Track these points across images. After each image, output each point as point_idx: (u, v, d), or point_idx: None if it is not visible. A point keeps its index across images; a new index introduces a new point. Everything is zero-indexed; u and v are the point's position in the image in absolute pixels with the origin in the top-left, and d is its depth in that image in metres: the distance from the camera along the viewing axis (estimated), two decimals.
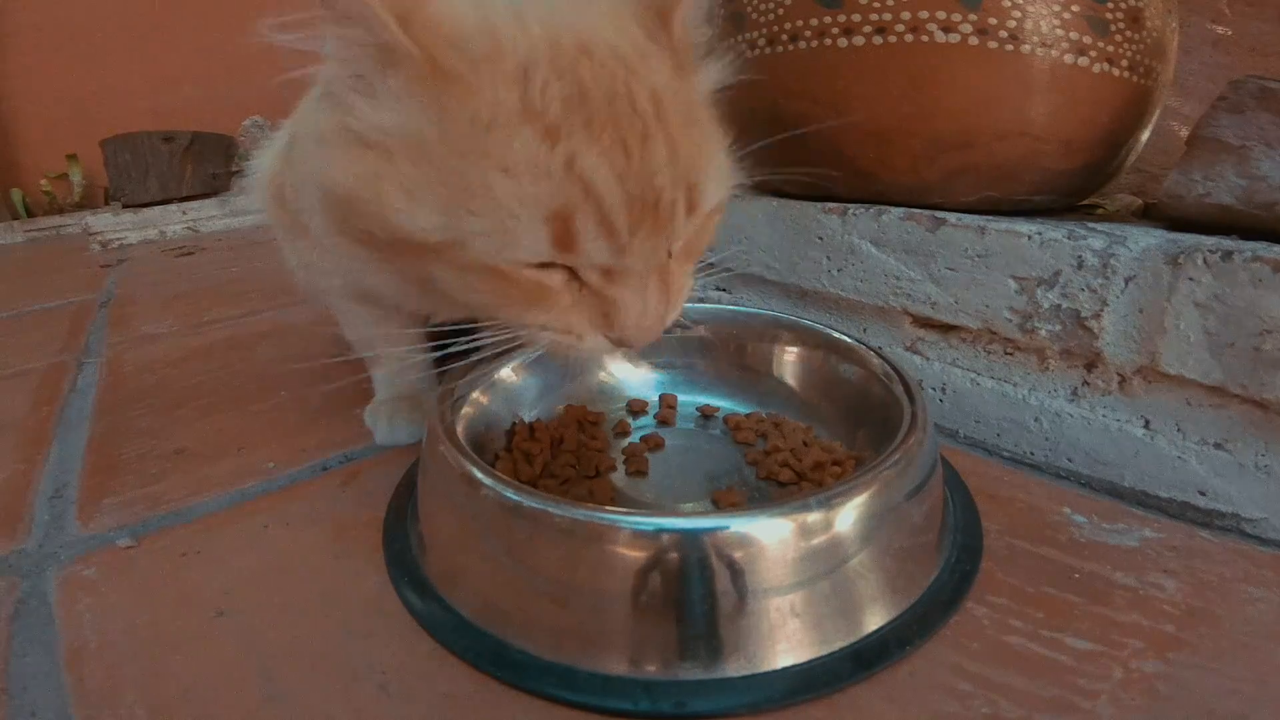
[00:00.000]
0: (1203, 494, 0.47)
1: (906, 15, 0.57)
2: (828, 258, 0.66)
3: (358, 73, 0.34)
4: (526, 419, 0.55)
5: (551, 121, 0.32)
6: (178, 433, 0.67)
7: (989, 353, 0.58)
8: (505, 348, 0.40)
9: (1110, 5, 0.56)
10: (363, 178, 0.34)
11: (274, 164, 0.56)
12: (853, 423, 0.53)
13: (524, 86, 0.32)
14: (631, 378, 0.62)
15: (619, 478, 0.51)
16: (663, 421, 0.58)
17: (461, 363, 0.53)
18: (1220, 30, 0.87)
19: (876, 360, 0.52)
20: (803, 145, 0.66)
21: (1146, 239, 0.48)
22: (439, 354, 0.47)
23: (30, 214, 2.40)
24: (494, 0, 0.35)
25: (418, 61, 0.32)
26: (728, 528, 0.35)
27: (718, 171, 0.38)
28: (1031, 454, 0.55)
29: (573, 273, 0.35)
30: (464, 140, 0.32)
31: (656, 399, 0.60)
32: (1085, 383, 0.52)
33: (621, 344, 0.37)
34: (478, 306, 0.38)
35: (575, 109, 0.32)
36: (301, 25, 0.32)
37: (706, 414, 0.59)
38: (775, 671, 0.35)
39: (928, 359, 0.62)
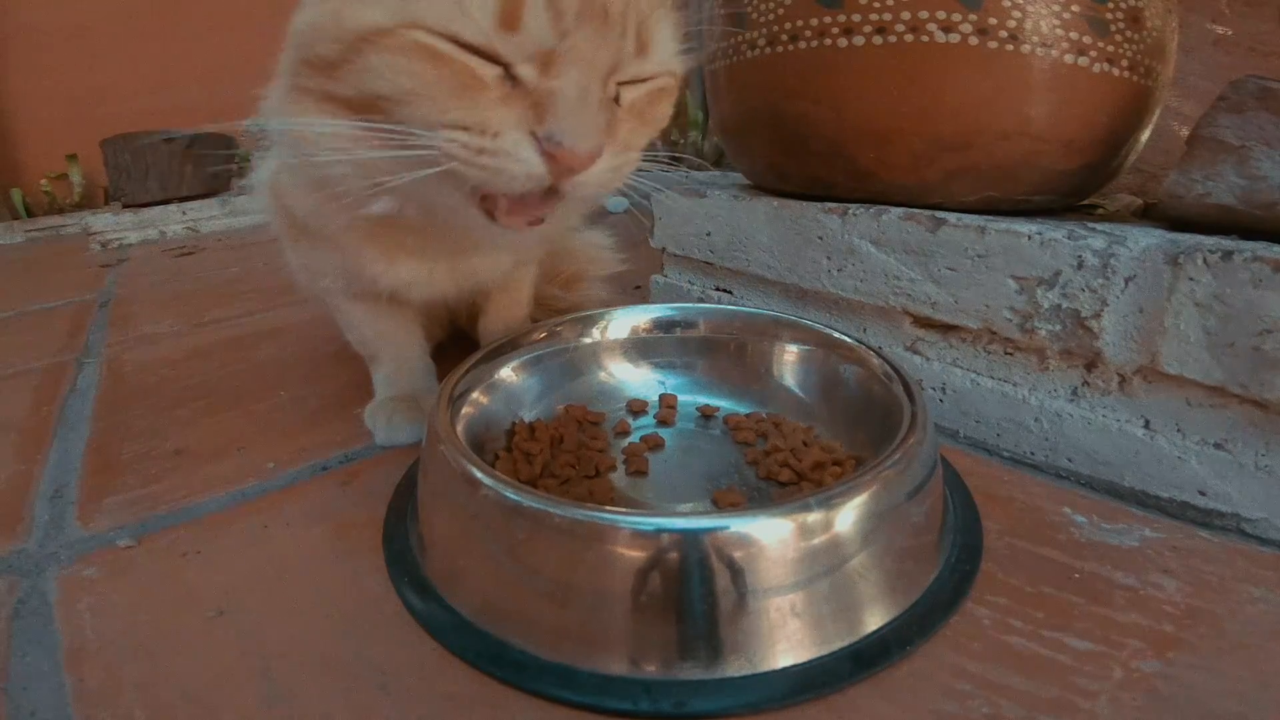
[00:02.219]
0: (1203, 494, 0.47)
1: (906, 15, 0.57)
2: (828, 258, 0.66)
3: None
4: (526, 419, 0.55)
5: None
6: (178, 433, 0.67)
7: (989, 353, 0.58)
8: (412, 165, 0.36)
9: (1110, 5, 0.56)
10: (320, 9, 0.36)
11: (275, 167, 0.56)
12: (853, 423, 0.53)
13: None
14: (631, 378, 0.62)
15: (619, 478, 0.51)
16: (663, 421, 0.58)
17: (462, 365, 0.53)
18: (1220, 30, 0.87)
19: (876, 360, 0.52)
20: (803, 145, 0.66)
21: (1146, 239, 0.48)
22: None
23: (30, 214, 2.40)
24: None
25: None
26: (728, 528, 0.35)
27: (669, 30, 0.38)
28: (1031, 454, 0.55)
29: (508, 72, 0.33)
30: None
31: (656, 399, 0.60)
32: (1085, 383, 0.52)
33: (551, 146, 0.33)
34: (405, 105, 0.35)
35: None
36: None
37: (706, 414, 0.59)
38: (775, 671, 0.35)
39: (928, 359, 0.62)
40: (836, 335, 0.56)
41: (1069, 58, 0.56)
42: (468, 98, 0.33)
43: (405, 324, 0.61)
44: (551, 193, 0.36)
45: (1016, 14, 0.55)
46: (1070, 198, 0.65)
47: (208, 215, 2.07)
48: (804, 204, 0.68)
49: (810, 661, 0.35)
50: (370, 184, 0.39)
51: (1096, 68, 0.57)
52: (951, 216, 0.57)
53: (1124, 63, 0.58)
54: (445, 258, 0.53)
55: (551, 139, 0.33)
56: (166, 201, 2.07)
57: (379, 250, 0.51)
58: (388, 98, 0.34)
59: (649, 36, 0.36)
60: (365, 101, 0.36)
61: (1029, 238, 0.52)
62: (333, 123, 0.38)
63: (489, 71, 0.33)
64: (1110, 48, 0.57)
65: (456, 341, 0.78)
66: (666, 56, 0.38)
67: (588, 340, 0.61)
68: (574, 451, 0.52)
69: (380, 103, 0.35)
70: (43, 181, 2.45)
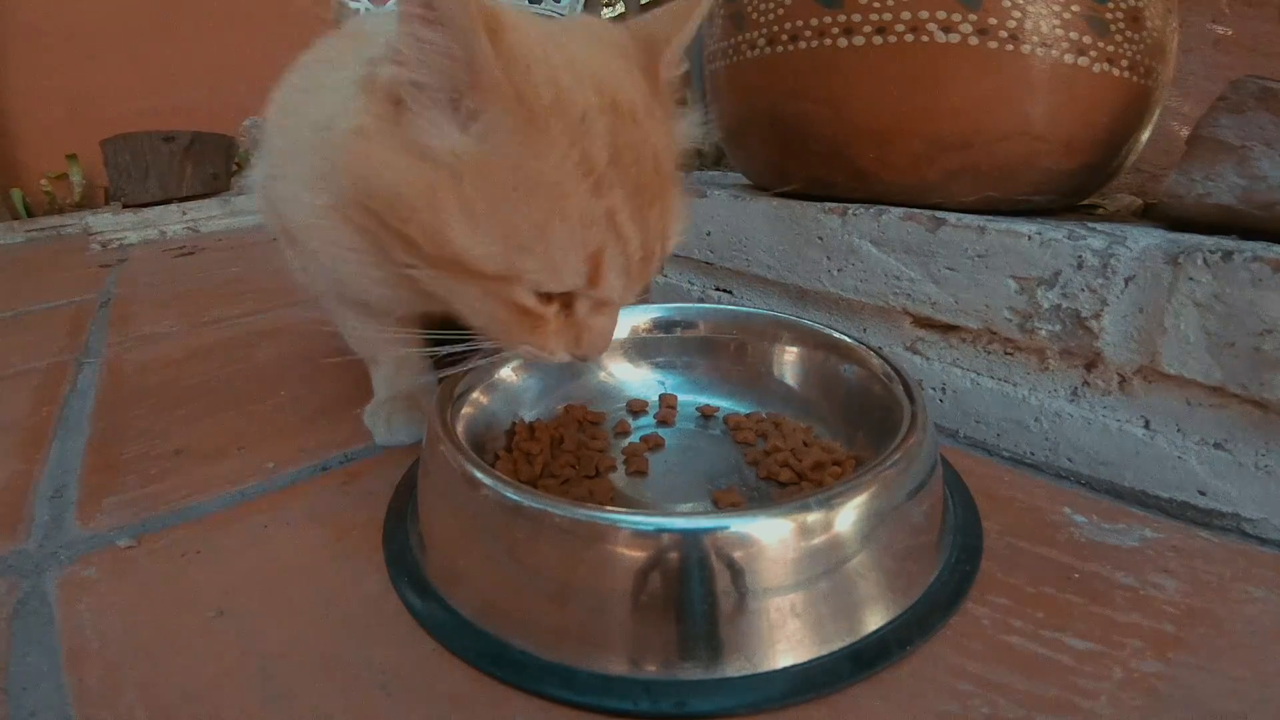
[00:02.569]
0: (1203, 494, 0.47)
1: (907, 15, 0.57)
2: (828, 258, 0.66)
3: (438, 86, 0.34)
4: (526, 419, 0.55)
5: (599, 176, 0.35)
6: (178, 433, 0.67)
7: (989, 353, 0.58)
8: (486, 353, 0.44)
9: (1110, 5, 0.56)
10: (419, 188, 0.35)
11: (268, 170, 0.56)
12: (853, 423, 0.53)
13: (583, 142, 0.35)
14: (631, 378, 0.62)
15: (619, 478, 0.51)
16: (663, 421, 0.58)
17: (461, 366, 0.53)
18: (1220, 30, 0.87)
19: (876, 360, 0.52)
20: (803, 145, 0.66)
21: (1146, 239, 0.48)
22: (440, 354, 0.47)
23: (30, 214, 2.40)
24: (535, 36, 0.36)
25: (506, 97, 0.33)
26: (728, 528, 0.35)
27: (683, 224, 0.42)
28: (1031, 454, 0.55)
29: (564, 304, 0.39)
30: (535, 185, 0.34)
31: (656, 399, 0.60)
32: (1085, 383, 0.52)
33: (582, 360, 0.42)
34: (473, 321, 0.40)
35: (614, 165, 0.36)
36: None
37: (706, 414, 0.59)
38: (775, 671, 0.35)
39: (928, 359, 0.62)
40: (836, 335, 0.56)
41: (1069, 58, 0.56)
42: (534, 331, 0.39)
43: (402, 325, 0.61)
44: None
45: (1016, 14, 0.55)
46: (1070, 198, 0.65)
47: (208, 215, 2.07)
48: (804, 204, 0.68)
49: (810, 661, 0.35)
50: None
51: (1096, 68, 0.57)
52: (951, 216, 0.57)
53: (1124, 63, 0.58)
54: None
55: (585, 358, 0.42)
56: (166, 201, 2.07)
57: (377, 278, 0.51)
58: (459, 310, 0.40)
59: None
60: (427, 292, 0.39)
61: (1029, 238, 0.52)
62: (377, 272, 0.40)
63: (552, 310, 0.39)
64: (1110, 48, 0.57)
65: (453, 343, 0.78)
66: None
67: None
68: (574, 451, 0.52)
69: (448, 305, 0.40)
70: (43, 181, 2.45)
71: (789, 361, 0.59)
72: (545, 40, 0.37)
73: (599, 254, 0.36)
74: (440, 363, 0.48)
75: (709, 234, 0.79)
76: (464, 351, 0.44)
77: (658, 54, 0.41)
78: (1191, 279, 0.44)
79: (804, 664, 0.35)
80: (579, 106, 0.35)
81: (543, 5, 1.31)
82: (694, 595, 0.34)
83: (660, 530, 0.35)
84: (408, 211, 0.36)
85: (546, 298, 0.38)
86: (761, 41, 0.66)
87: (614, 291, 0.38)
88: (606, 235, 0.36)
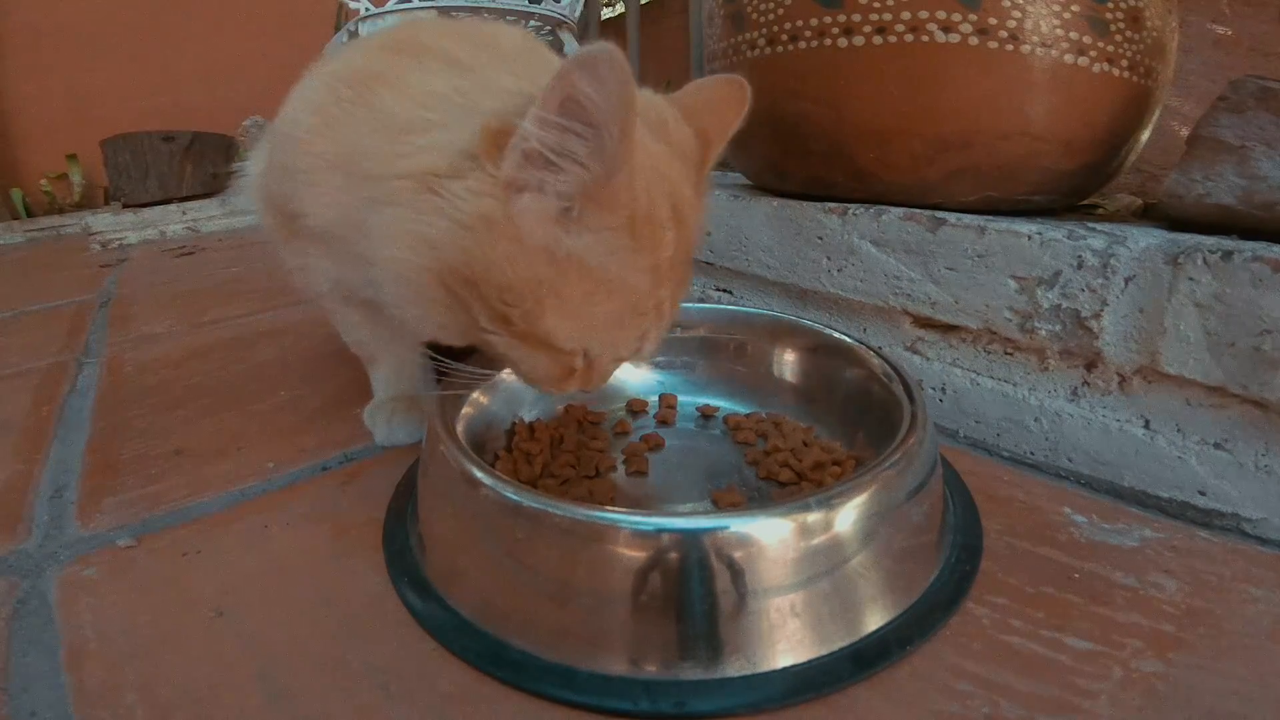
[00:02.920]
0: (1203, 494, 0.47)
1: (906, 15, 0.57)
2: (828, 258, 0.66)
3: (570, 194, 0.36)
4: (526, 419, 0.55)
5: (661, 274, 0.40)
6: (178, 433, 0.67)
7: (989, 353, 0.58)
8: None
9: (1110, 5, 0.56)
10: (531, 283, 0.38)
11: (263, 166, 0.55)
12: (853, 423, 0.53)
13: (659, 251, 0.39)
14: (631, 378, 0.62)
15: (619, 478, 0.51)
16: (662, 421, 0.58)
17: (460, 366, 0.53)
18: (1220, 30, 0.87)
19: (876, 360, 0.52)
20: (803, 145, 0.66)
21: (1146, 239, 0.48)
22: (451, 373, 0.49)
23: (30, 214, 2.40)
24: (641, 148, 0.38)
25: (627, 218, 0.37)
26: (728, 528, 0.35)
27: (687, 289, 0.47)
28: (1031, 454, 0.55)
29: (587, 355, 0.43)
30: (621, 285, 0.39)
31: (656, 399, 0.60)
32: (1085, 383, 0.52)
33: (584, 393, 0.46)
34: (518, 370, 0.44)
35: (670, 265, 0.41)
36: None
37: (706, 414, 0.59)
38: (775, 671, 0.35)
39: (928, 359, 0.62)
40: (836, 335, 0.56)
41: (1069, 58, 0.56)
42: (566, 379, 0.43)
43: (401, 329, 0.61)
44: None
45: (1016, 14, 0.55)
46: (1070, 198, 0.65)
47: (208, 215, 2.07)
48: (804, 204, 0.68)
49: (810, 661, 0.35)
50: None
51: (1096, 68, 0.57)
52: (951, 216, 0.57)
53: (1124, 63, 0.58)
54: None
55: (590, 393, 0.46)
56: (166, 201, 2.07)
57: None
58: (519, 366, 0.43)
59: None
60: (483, 338, 0.42)
61: (1029, 238, 0.52)
62: (447, 320, 0.42)
63: (580, 360, 0.43)
64: (1110, 48, 0.57)
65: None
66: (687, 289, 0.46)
67: None
68: (574, 451, 0.52)
69: (495, 351, 0.43)
70: (43, 181, 2.45)
71: (789, 361, 0.59)
72: (643, 151, 0.39)
73: (644, 334, 0.42)
74: (443, 381, 0.51)
75: (709, 234, 0.79)
76: (476, 375, 0.48)
77: (709, 152, 0.45)
78: (1191, 279, 0.44)
79: (804, 664, 0.35)
80: (660, 220, 0.39)
81: (543, 5, 1.31)
82: (694, 595, 0.34)
83: (660, 530, 0.35)
84: (514, 298, 0.38)
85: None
86: (761, 41, 0.66)
87: (645, 354, 0.44)
88: (654, 317, 0.42)
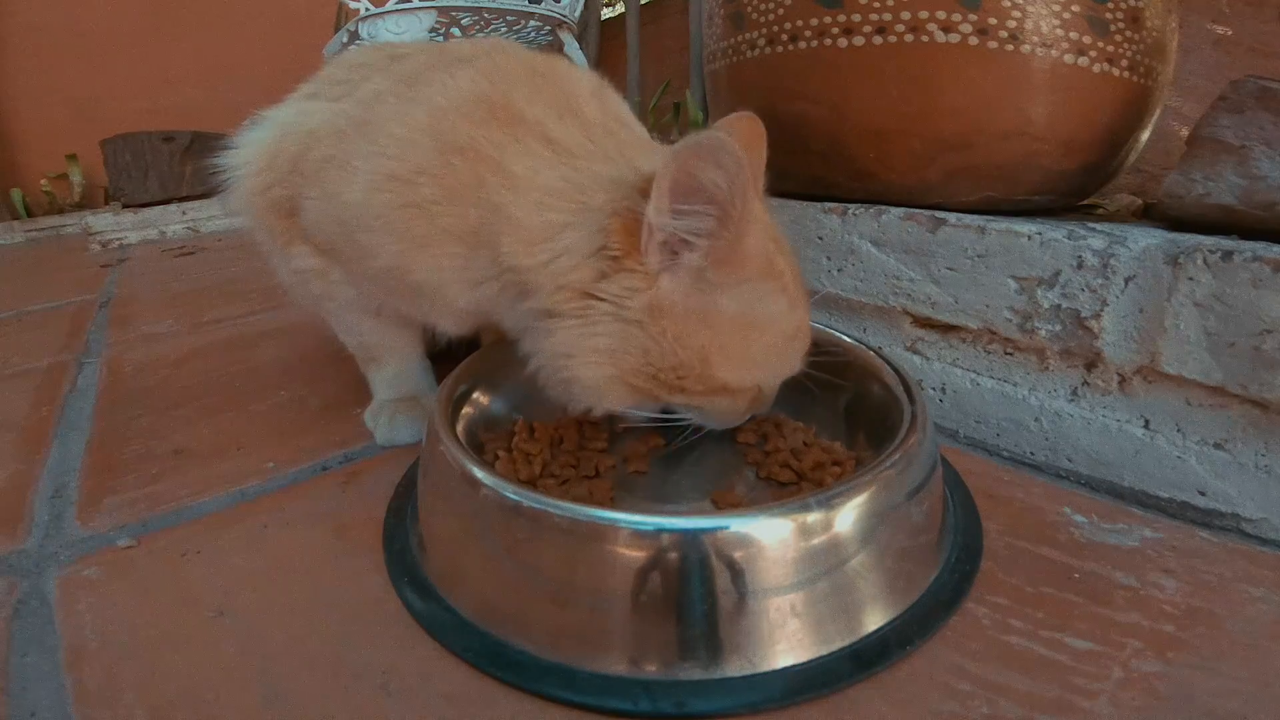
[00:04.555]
0: (1203, 494, 0.47)
1: (906, 15, 0.57)
2: (828, 258, 0.66)
3: (700, 264, 0.41)
4: (526, 419, 0.55)
5: (793, 296, 0.44)
6: (178, 433, 0.67)
7: (989, 353, 0.58)
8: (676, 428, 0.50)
9: (1110, 5, 0.56)
10: (693, 350, 0.42)
11: (267, 170, 0.53)
12: (853, 423, 0.53)
13: (785, 280, 0.44)
14: None
15: (619, 478, 0.51)
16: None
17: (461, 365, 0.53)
18: (1220, 30, 0.87)
19: (876, 360, 0.52)
20: (803, 145, 0.66)
21: (1146, 239, 0.48)
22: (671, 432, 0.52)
23: (30, 214, 2.40)
24: None
25: (755, 270, 0.42)
26: (728, 528, 0.35)
27: None
28: (1031, 454, 0.55)
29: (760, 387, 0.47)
30: (770, 322, 0.43)
31: None
32: (1085, 383, 0.52)
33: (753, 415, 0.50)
34: (707, 414, 0.47)
35: (796, 284, 0.45)
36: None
37: None
38: (775, 671, 0.35)
39: (928, 359, 0.62)
40: (836, 335, 0.56)
41: (1069, 58, 0.56)
42: (739, 410, 0.47)
43: (408, 331, 0.61)
44: None
45: (1016, 14, 0.55)
46: (1070, 198, 0.65)
47: (208, 215, 2.07)
48: (804, 204, 0.67)
49: (810, 661, 0.35)
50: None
51: (1096, 68, 0.57)
52: (951, 216, 0.57)
53: (1124, 63, 0.58)
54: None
55: (755, 414, 0.50)
56: (166, 201, 2.07)
57: (440, 310, 0.52)
58: (703, 411, 0.47)
59: None
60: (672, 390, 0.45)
61: (1029, 238, 0.52)
62: (639, 402, 0.46)
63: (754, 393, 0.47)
64: (1110, 48, 0.57)
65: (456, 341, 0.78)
66: None
67: None
68: (574, 451, 0.52)
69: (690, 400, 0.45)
70: (43, 181, 2.45)
71: None
72: None
73: (798, 355, 0.47)
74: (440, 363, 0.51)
75: None
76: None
77: (758, 180, 0.48)
78: (1191, 279, 0.44)
79: (804, 664, 0.35)
80: (776, 255, 0.44)
81: (543, 5, 1.31)
82: (694, 595, 0.34)
83: (660, 530, 0.35)
84: (686, 371, 0.42)
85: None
86: (761, 41, 0.66)
87: (796, 370, 0.48)
88: (802, 345, 0.47)
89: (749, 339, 0.43)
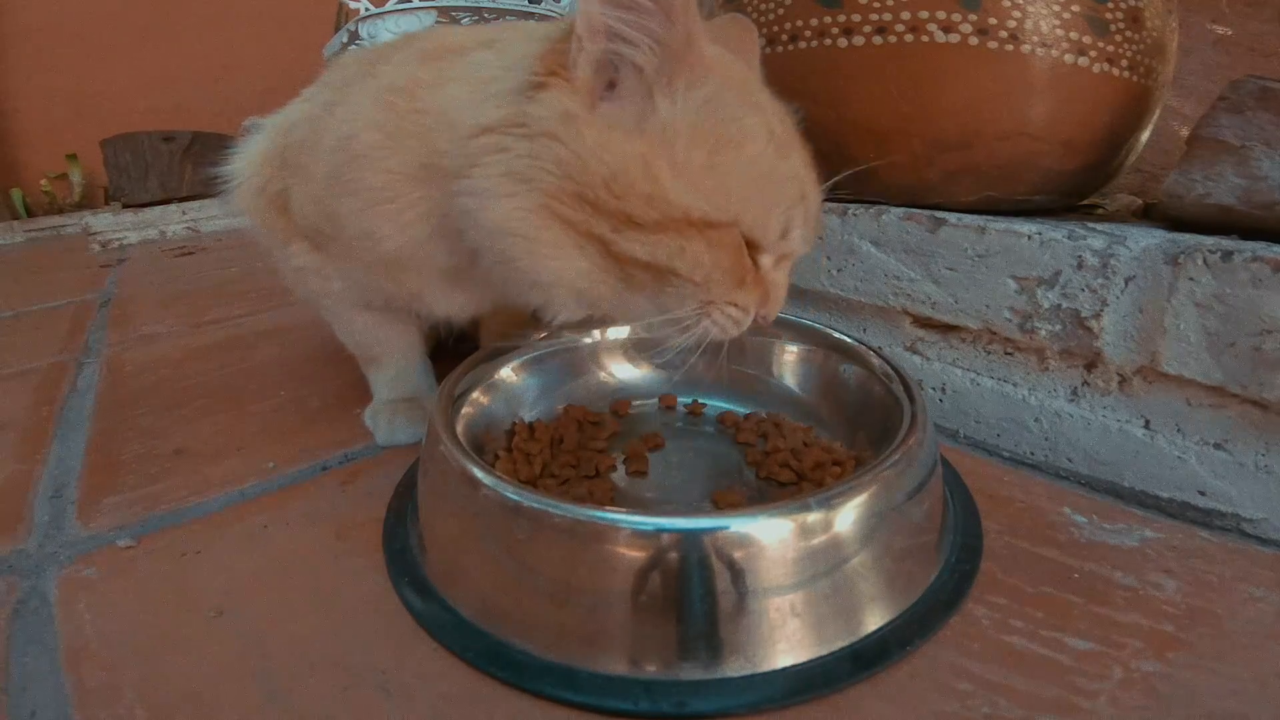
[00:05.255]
0: (1203, 494, 0.47)
1: (906, 15, 0.57)
2: (827, 258, 0.66)
3: (652, 64, 0.37)
4: (526, 419, 0.55)
5: (779, 142, 0.41)
6: (178, 433, 0.67)
7: (989, 353, 0.58)
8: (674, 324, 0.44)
9: (1110, 5, 0.56)
10: (635, 162, 0.37)
11: (264, 170, 0.54)
12: (853, 423, 0.53)
13: (763, 111, 0.41)
14: (632, 378, 0.62)
15: (619, 478, 0.51)
16: (662, 422, 0.58)
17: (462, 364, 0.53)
18: (1220, 30, 0.87)
19: (876, 360, 0.52)
20: None
21: (1146, 239, 0.48)
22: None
23: (30, 214, 2.40)
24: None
25: (713, 74, 0.38)
26: (728, 528, 0.35)
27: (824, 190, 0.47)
28: (1031, 454, 0.55)
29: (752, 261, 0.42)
30: (741, 143, 0.39)
31: (656, 399, 0.60)
32: (1085, 383, 0.52)
33: (760, 317, 0.44)
34: (694, 278, 0.40)
35: (784, 134, 0.42)
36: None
37: (706, 414, 0.59)
38: (775, 671, 0.35)
39: (928, 359, 0.62)
40: (836, 335, 0.56)
41: (1069, 58, 0.56)
42: (742, 285, 0.42)
43: (407, 329, 0.61)
44: None
45: (1016, 14, 0.55)
46: (1070, 198, 0.65)
47: (208, 215, 2.07)
48: None
49: (810, 661, 0.35)
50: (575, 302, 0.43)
51: (1096, 68, 0.57)
52: (951, 216, 0.57)
53: (1124, 63, 0.58)
54: (494, 293, 0.52)
55: (765, 317, 0.45)
56: (166, 201, 2.07)
57: (426, 280, 0.51)
58: (678, 273, 0.40)
59: (823, 192, 0.46)
60: (649, 266, 0.40)
61: (1029, 238, 0.52)
62: (583, 263, 0.41)
63: (750, 264, 0.42)
64: (1110, 48, 0.57)
65: (457, 342, 0.78)
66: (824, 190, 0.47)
67: (588, 340, 0.61)
68: (574, 451, 0.52)
69: (666, 274, 0.40)
70: (43, 181, 2.45)
71: (789, 361, 0.59)
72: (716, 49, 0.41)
73: (792, 207, 0.41)
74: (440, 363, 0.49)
75: None
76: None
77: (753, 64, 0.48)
78: (1191, 279, 0.44)
79: (804, 664, 0.35)
80: (752, 84, 0.42)
81: (543, 5, 1.31)
82: (694, 595, 0.34)
83: (660, 530, 0.35)
84: (623, 187, 0.37)
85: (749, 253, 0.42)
86: (761, 42, 0.66)
87: (799, 243, 0.43)
88: (797, 192, 0.42)
89: (715, 153, 0.38)
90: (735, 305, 0.42)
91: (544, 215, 0.39)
